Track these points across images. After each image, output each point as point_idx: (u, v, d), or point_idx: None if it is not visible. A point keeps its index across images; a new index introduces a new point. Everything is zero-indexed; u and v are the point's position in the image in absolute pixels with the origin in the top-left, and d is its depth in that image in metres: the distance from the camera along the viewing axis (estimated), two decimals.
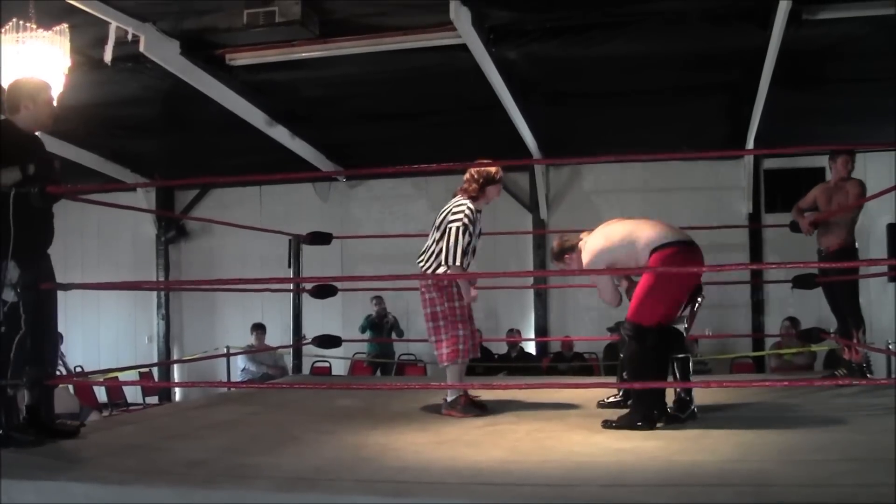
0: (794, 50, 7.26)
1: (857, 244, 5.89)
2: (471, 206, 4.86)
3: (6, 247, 3.81)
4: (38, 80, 4.26)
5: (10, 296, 3.83)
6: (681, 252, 4.45)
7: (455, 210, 4.84)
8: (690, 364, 4.65)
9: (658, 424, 4.27)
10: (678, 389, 4.48)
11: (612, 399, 4.98)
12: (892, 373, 7.50)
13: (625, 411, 4.43)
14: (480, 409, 4.83)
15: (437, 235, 4.88)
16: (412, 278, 5.28)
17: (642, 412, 4.28)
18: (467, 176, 4.97)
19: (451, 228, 4.78)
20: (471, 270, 5.09)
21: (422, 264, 4.97)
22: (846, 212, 5.74)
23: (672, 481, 3.07)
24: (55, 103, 4.23)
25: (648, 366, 4.37)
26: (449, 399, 4.82)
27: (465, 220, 4.78)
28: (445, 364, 4.88)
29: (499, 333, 10.74)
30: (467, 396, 4.86)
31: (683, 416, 4.40)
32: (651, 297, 4.41)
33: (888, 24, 6.81)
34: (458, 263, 4.76)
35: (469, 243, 4.83)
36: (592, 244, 4.71)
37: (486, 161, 4.85)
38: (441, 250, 4.82)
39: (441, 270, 4.83)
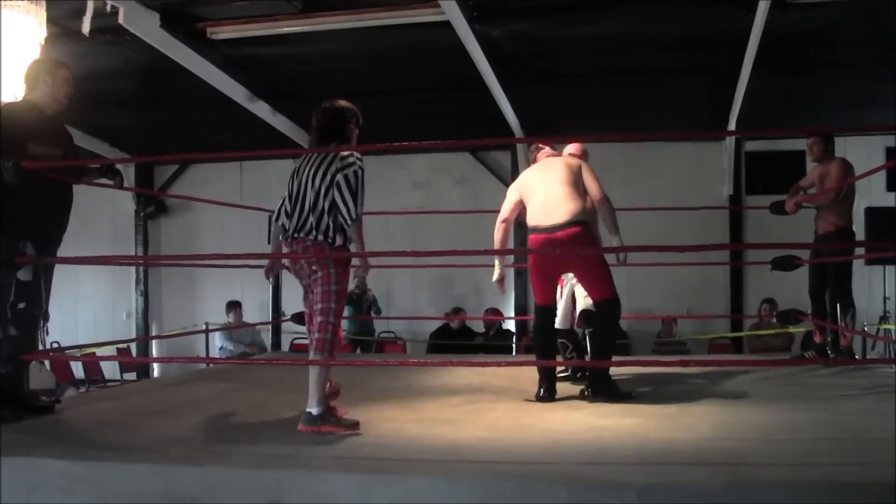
0: (778, 33, 7.26)
1: (853, 227, 5.90)
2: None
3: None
4: (57, 60, 4.29)
5: (26, 275, 3.89)
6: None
7: (344, 155, 3.83)
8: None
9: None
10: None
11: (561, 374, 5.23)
12: (868, 355, 7.59)
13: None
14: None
15: (322, 191, 3.78)
16: (394, 255, 5.22)
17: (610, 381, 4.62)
18: (328, 117, 4.00)
19: (347, 176, 3.77)
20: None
21: (310, 235, 3.80)
22: (832, 193, 5.71)
23: (649, 459, 3.10)
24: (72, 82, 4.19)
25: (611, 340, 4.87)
26: (315, 412, 3.68)
27: (361, 164, 3.83)
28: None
29: (480, 312, 10.75)
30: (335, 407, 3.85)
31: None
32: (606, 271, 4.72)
33: (871, 10, 6.83)
34: (356, 217, 3.79)
35: None
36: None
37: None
38: (336, 215, 3.78)
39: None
